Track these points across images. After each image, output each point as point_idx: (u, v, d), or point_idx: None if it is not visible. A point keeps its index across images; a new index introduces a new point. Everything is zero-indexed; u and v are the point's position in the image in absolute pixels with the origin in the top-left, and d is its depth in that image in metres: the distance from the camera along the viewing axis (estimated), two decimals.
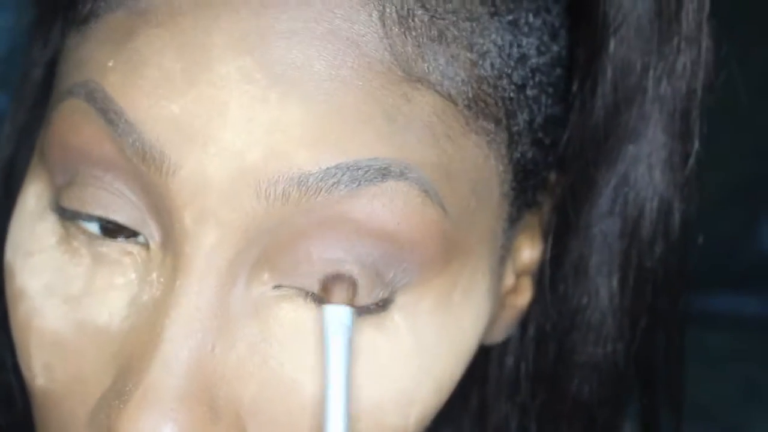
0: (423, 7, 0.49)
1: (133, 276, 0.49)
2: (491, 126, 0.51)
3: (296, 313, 0.49)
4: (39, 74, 0.60)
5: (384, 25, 0.48)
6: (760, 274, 1.53)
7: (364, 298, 0.49)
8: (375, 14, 0.48)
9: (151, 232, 0.49)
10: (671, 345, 0.60)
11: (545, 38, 0.54)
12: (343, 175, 0.47)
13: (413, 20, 0.49)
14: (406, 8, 0.48)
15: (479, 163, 0.51)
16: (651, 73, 0.55)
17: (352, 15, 0.48)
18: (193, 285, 0.47)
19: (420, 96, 0.48)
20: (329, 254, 0.48)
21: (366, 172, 0.47)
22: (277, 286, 0.49)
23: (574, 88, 0.56)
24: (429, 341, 0.51)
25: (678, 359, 0.61)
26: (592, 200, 0.56)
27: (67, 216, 0.50)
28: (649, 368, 0.60)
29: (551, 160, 0.56)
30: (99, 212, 0.49)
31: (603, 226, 0.57)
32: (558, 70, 0.55)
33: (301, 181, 0.47)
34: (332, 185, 0.47)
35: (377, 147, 0.47)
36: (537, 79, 0.53)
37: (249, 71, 0.47)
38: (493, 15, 0.51)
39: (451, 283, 0.51)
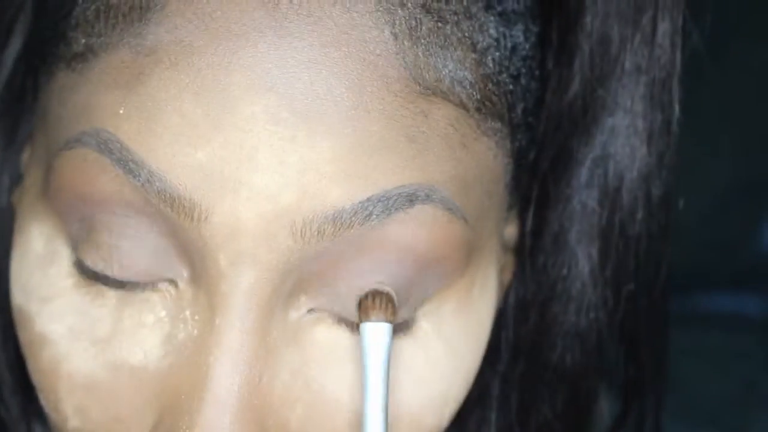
0: (428, 12, 0.48)
1: (163, 313, 0.49)
2: (498, 124, 0.51)
3: (332, 335, 0.49)
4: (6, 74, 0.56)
5: (396, 40, 0.47)
6: (760, 273, 1.52)
7: (398, 313, 0.49)
8: (387, 30, 0.47)
9: (179, 271, 0.49)
10: (655, 313, 0.60)
11: (528, 23, 0.53)
12: (374, 207, 0.47)
13: (421, 29, 0.48)
14: (413, 18, 0.48)
15: (490, 164, 0.51)
16: (628, 45, 0.54)
17: (366, 34, 0.47)
18: (235, 322, 0.47)
19: (436, 109, 0.48)
20: (362, 278, 0.49)
21: (395, 200, 0.47)
22: (312, 310, 0.49)
23: (550, 64, 0.56)
24: (456, 342, 0.51)
25: (662, 328, 0.61)
26: (570, 173, 0.56)
27: (89, 275, 0.49)
28: (632, 337, 0.60)
29: (534, 138, 0.56)
30: (123, 275, 0.49)
31: (582, 198, 0.57)
32: (539, 52, 0.55)
33: (336, 217, 0.47)
34: (365, 217, 0.47)
35: (403, 173, 0.47)
36: (528, 66, 0.53)
37: (275, 110, 0.46)
38: (487, 8, 0.50)
39: (470, 282, 0.52)
